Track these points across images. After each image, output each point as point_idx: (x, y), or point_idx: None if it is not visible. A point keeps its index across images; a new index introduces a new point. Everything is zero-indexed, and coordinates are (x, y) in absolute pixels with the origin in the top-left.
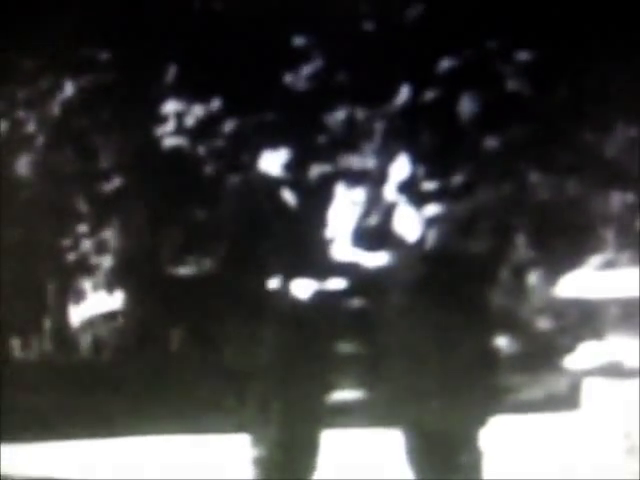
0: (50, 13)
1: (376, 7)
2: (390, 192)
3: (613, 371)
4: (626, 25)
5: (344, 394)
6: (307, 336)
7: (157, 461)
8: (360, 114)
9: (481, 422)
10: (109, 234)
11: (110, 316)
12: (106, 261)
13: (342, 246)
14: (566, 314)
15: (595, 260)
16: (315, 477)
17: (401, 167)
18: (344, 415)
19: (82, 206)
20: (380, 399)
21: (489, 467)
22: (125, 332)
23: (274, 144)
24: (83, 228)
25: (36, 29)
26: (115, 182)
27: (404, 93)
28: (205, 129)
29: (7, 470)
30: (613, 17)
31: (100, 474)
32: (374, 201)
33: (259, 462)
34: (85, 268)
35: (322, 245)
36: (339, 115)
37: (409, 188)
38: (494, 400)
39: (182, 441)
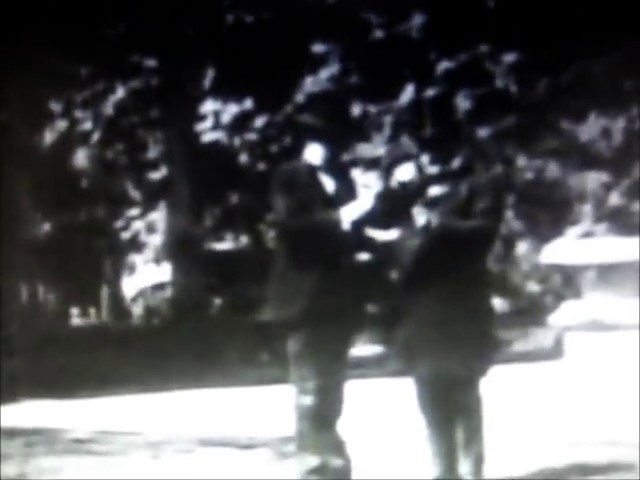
0: (103, 26)
1: (383, 18)
2: (398, 176)
3: (591, 326)
4: (596, 29)
5: (364, 349)
6: (332, 298)
7: (204, 412)
8: (372, 109)
9: (479, 370)
10: (157, 216)
11: (159, 287)
12: (155, 239)
13: (359, 224)
14: (550, 277)
15: (574, 231)
16: (341, 422)
17: (407, 154)
18: (364, 367)
19: (133, 192)
20: (393, 353)
21: (485, 409)
22: (172, 301)
23: (299, 137)
24: (134, 211)
25: (91, 40)
26: (162, 171)
27: (409, 91)
28: (239, 124)
29: (61, 423)
30: (584, 22)
31: (152, 425)
32: (384, 184)
33: (294, 410)
34: (136, 245)
35: (343, 224)
36: (354, 110)
37: (415, 172)
38: (490, 351)
39: (224, 393)
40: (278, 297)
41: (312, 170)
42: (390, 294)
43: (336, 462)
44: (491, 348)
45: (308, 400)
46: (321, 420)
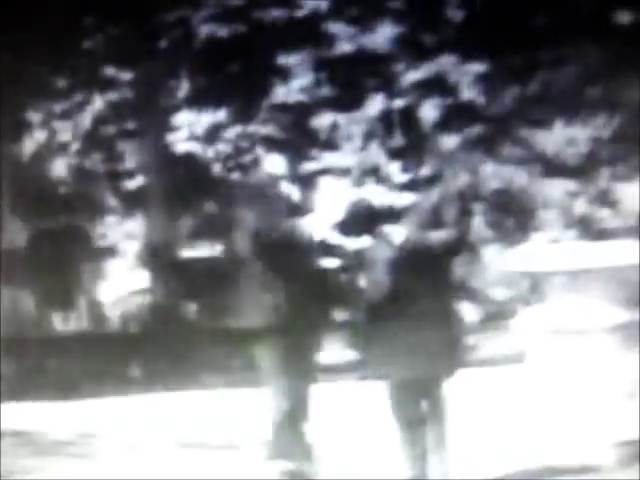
0: (80, 38)
1: (351, 31)
2: (368, 185)
3: (555, 331)
4: (560, 38)
5: (334, 355)
6: (301, 304)
7: (181, 415)
8: (341, 119)
9: (446, 374)
10: (134, 224)
11: (136, 293)
12: (132, 247)
13: (330, 230)
14: (516, 283)
15: (541, 237)
16: (309, 426)
17: (376, 163)
18: (335, 372)
19: (111, 200)
20: (364, 358)
21: (452, 411)
22: (149, 307)
23: (270, 147)
24: (112, 219)
25: (68, 52)
26: (138, 180)
27: (378, 101)
28: (212, 135)
29: (43, 426)
30: (548, 32)
31: (127, 428)
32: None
33: (267, 414)
34: (114, 253)
35: (313, 230)
36: (324, 120)
37: (384, 181)
38: (456, 355)
39: (198, 397)
40: (249, 305)
41: (275, 181)
42: (358, 300)
43: (307, 465)
44: (458, 352)
45: (279, 404)
46: (293, 424)
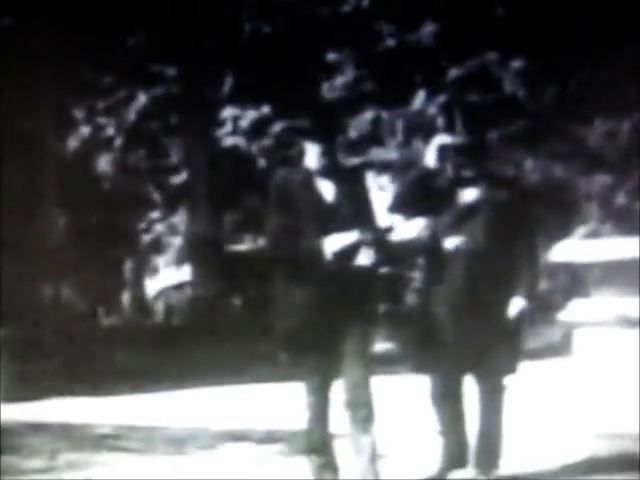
0: (125, 35)
1: (395, 27)
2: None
3: (597, 323)
4: (601, 36)
5: (381, 346)
6: (346, 296)
7: (224, 408)
8: (385, 115)
9: (499, 369)
10: (178, 219)
11: (179, 287)
12: (176, 241)
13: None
14: (558, 276)
15: (581, 231)
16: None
17: (419, 159)
18: (381, 364)
19: (155, 196)
20: (412, 350)
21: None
22: (192, 300)
23: (314, 142)
24: (156, 214)
25: (114, 48)
26: (182, 175)
27: (421, 97)
28: (257, 130)
29: (88, 419)
30: (590, 30)
31: (175, 421)
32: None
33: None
34: (158, 247)
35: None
36: (368, 116)
37: (429, 178)
38: (515, 352)
39: (241, 390)
40: (281, 305)
41: (309, 178)
42: (402, 294)
43: (336, 460)
44: (516, 350)
45: (313, 399)
46: (325, 419)
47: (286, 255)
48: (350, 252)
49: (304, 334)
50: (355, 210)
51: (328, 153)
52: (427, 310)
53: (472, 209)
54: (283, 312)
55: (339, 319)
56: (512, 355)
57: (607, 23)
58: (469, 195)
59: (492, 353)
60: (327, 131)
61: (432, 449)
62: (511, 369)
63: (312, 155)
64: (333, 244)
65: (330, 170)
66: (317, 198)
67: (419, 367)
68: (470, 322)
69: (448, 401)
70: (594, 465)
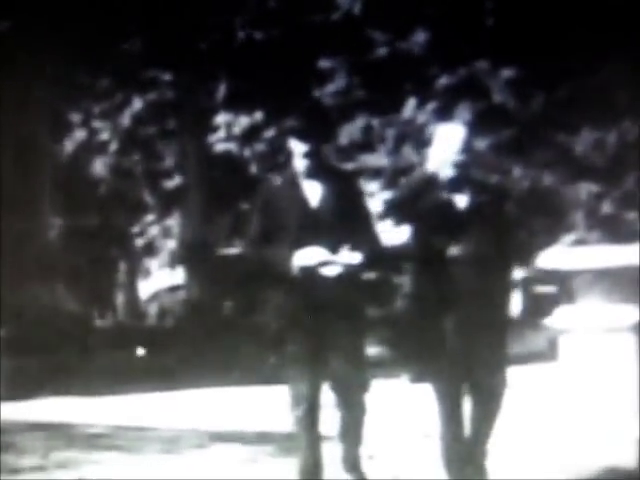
0: (122, 40)
1: (387, 36)
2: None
3: (583, 330)
4: (588, 46)
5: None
6: (337, 301)
7: (214, 409)
8: (375, 122)
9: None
10: (172, 222)
11: (173, 289)
12: (169, 244)
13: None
14: (545, 283)
15: (567, 238)
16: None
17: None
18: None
19: (149, 199)
20: (403, 355)
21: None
22: (185, 302)
23: (301, 140)
24: (150, 217)
25: (110, 53)
26: (176, 180)
27: (411, 105)
28: (249, 136)
29: (80, 419)
30: (577, 39)
31: (166, 421)
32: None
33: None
34: (152, 250)
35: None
36: (358, 123)
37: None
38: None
39: (231, 392)
40: (269, 308)
41: (295, 183)
42: (392, 299)
43: (325, 462)
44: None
45: (302, 401)
46: (314, 420)
47: (259, 262)
48: (316, 267)
49: (291, 336)
50: (343, 215)
51: (315, 154)
52: (420, 317)
53: (464, 216)
54: (271, 315)
55: (325, 322)
56: (501, 364)
57: (594, 33)
58: (461, 202)
59: (486, 361)
60: (315, 130)
61: (421, 451)
62: (502, 379)
63: (299, 155)
64: (302, 258)
65: (317, 173)
66: (302, 204)
67: (418, 376)
68: (464, 329)
69: (447, 407)
70: (580, 470)
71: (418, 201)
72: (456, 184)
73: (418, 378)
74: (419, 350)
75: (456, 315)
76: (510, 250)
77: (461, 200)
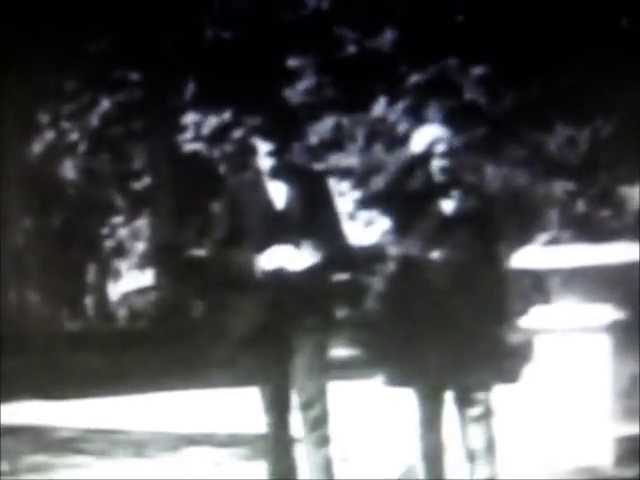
0: (89, 40)
1: (356, 34)
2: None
3: (558, 330)
4: (561, 42)
5: (341, 351)
6: (302, 302)
7: (185, 411)
8: (345, 121)
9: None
10: (141, 224)
11: (142, 291)
12: (139, 246)
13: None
14: (518, 282)
15: (541, 237)
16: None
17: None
18: (341, 369)
19: (118, 201)
20: (376, 357)
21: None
22: (155, 304)
23: (274, 147)
24: (119, 219)
25: (76, 53)
26: (145, 181)
27: (381, 103)
28: (218, 136)
29: (50, 422)
30: (550, 36)
31: (137, 425)
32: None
33: (268, 411)
34: (121, 252)
35: (320, 229)
36: (328, 121)
37: (389, 184)
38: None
39: (202, 395)
40: (235, 310)
41: (260, 183)
42: (362, 300)
43: (296, 464)
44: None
45: (272, 403)
46: (285, 423)
47: (222, 264)
48: (281, 268)
49: (256, 338)
50: (309, 215)
51: (279, 153)
52: (391, 318)
53: (444, 218)
54: (237, 316)
55: (290, 323)
56: (488, 369)
57: (567, 29)
58: (445, 204)
59: (466, 365)
60: (279, 129)
61: (393, 453)
62: (487, 383)
63: (263, 155)
64: (266, 261)
65: (282, 172)
66: (266, 204)
67: (392, 380)
68: (438, 332)
69: (426, 409)
70: (556, 470)
71: (387, 201)
72: (444, 189)
73: (392, 382)
74: (392, 353)
75: (434, 316)
76: (490, 250)
77: (447, 204)
